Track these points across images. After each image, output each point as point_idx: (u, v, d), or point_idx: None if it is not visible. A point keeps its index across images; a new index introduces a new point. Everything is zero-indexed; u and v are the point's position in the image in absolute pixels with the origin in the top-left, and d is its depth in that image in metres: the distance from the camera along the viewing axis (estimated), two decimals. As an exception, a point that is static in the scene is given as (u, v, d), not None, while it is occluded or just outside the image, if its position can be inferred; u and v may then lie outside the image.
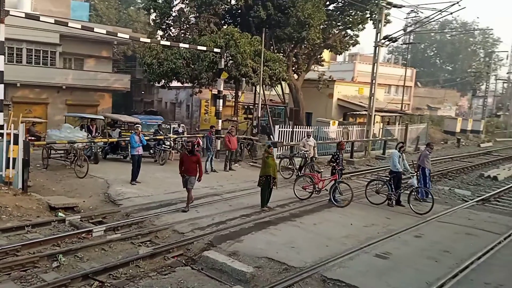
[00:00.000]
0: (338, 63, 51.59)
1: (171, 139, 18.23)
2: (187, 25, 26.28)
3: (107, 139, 16.53)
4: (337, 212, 11.42)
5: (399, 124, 29.66)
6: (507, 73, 55.42)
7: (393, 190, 12.23)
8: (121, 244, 8.52)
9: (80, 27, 15.59)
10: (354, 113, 29.69)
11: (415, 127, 30.25)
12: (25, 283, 6.73)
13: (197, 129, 34.59)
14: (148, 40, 19.82)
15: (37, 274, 7.02)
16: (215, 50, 19.97)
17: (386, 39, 23.73)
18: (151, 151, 17.66)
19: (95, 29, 16.04)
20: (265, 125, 27.72)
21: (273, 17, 24.82)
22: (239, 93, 27.05)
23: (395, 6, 23.82)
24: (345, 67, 47.20)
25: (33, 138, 15.65)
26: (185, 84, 27.27)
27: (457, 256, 8.47)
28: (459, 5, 21.19)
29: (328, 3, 27.74)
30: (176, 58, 22.38)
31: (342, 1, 28.16)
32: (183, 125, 23.29)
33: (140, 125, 14.42)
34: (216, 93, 34.94)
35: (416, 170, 13.04)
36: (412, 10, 32.58)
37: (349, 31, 29.61)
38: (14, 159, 11.41)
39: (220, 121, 20.34)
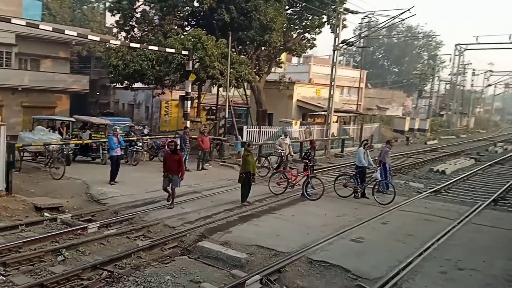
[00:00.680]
0: (293, 65, 53.09)
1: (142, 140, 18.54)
2: (151, 27, 26.51)
3: (82, 141, 16.61)
4: (311, 204, 12.42)
5: (354, 123, 31.36)
6: (449, 74, 59.34)
7: (359, 183, 13.41)
8: (117, 239, 9.01)
9: (51, 29, 15.62)
10: (313, 113, 31.04)
11: (369, 126, 32.09)
12: (35, 276, 7.13)
13: (157, 130, 34.72)
14: (118, 42, 20.00)
15: (45, 267, 7.43)
16: (183, 52, 20.45)
17: (344, 43, 25.18)
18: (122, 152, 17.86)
19: (66, 31, 16.05)
20: (229, 126, 28.40)
21: (236, 20, 25.57)
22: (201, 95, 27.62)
23: (352, 12, 25.40)
24: (301, 69, 48.75)
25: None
26: (150, 86, 27.41)
27: (420, 239, 9.65)
28: (410, 12, 23.13)
29: (287, 7, 28.90)
30: (141, 59, 22.62)
31: (300, 6, 29.43)
32: (147, 126, 23.58)
33: (118, 127, 14.70)
34: (178, 94, 35.43)
35: (377, 165, 14.32)
36: (366, 16, 34.39)
37: (306, 34, 30.97)
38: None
39: (188, 122, 20.84)
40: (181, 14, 26.84)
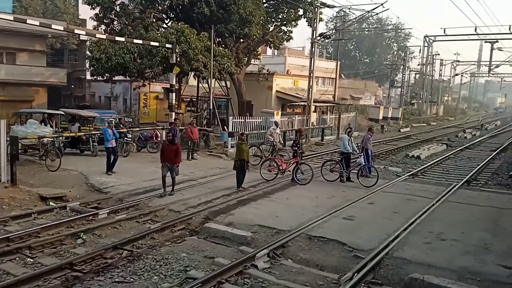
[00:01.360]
0: (269, 57, 53.82)
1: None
2: (131, 20, 26.61)
3: (75, 134, 16.88)
4: (302, 188, 13.28)
5: (332, 113, 32.45)
6: (418, 65, 61.34)
7: (344, 168, 14.34)
8: (128, 223, 9.61)
9: (38, 24, 15.74)
10: (293, 103, 31.91)
11: (346, 115, 33.25)
12: (60, 257, 7.67)
13: (137, 122, 34.85)
14: (104, 36, 20.22)
15: (68, 249, 7.97)
16: (167, 45, 20.84)
17: (322, 37, 26.06)
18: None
19: (53, 26, 16.24)
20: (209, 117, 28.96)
21: (216, 13, 26.02)
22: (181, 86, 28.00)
23: (328, 6, 26.30)
24: (276, 61, 49.52)
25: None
26: (131, 78, 27.57)
27: (404, 216, 10.63)
28: (383, 7, 24.24)
29: (264, 0, 29.53)
30: (124, 53, 22.86)
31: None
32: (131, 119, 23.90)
33: (113, 120, 15.09)
34: (157, 86, 35.58)
35: (360, 151, 15.30)
36: (341, 9, 35.40)
37: (283, 27, 31.71)
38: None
39: (173, 113, 21.31)
40: (160, 8, 27.06)
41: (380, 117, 41.87)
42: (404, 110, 49.33)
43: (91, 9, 25.44)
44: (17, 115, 18.76)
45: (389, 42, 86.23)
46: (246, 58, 31.06)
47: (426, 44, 50.07)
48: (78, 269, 6.98)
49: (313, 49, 26.57)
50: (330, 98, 36.56)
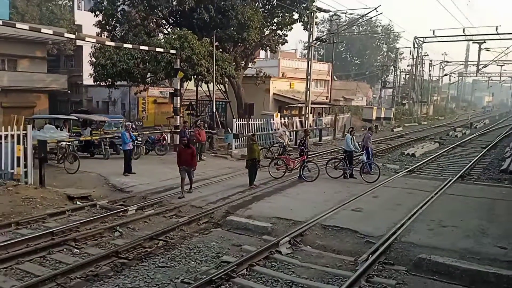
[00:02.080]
0: (262, 59, 54.68)
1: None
2: (133, 26, 27.36)
3: (91, 138, 17.62)
4: (310, 185, 14.19)
5: (328, 114, 33.45)
6: (408, 65, 62.79)
7: (348, 165, 15.29)
8: (157, 218, 10.44)
9: (51, 33, 16.45)
10: (290, 105, 32.86)
11: (341, 116, 34.28)
12: (103, 248, 8.47)
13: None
14: (113, 43, 20.91)
15: (108, 241, 8.77)
16: (171, 51, 21.65)
17: (318, 40, 27.06)
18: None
19: (66, 34, 16.96)
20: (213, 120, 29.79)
21: (215, 19, 26.89)
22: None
23: (324, 11, 27.35)
24: (270, 63, 50.35)
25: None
26: (134, 83, 28.29)
27: (407, 207, 11.58)
28: (377, 11, 25.36)
29: (260, 5, 30.48)
30: (128, 58, 23.62)
31: (271, 4, 31.04)
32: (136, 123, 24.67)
33: (129, 123, 15.86)
34: (155, 91, 36.27)
35: (361, 149, 16.27)
36: (335, 14, 36.47)
37: (278, 31, 32.67)
38: (18, 158, 12.49)
39: (178, 117, 22.09)
40: (160, 14, 27.86)
41: (374, 118, 43.02)
42: (395, 110, 50.60)
43: (94, 16, 26.21)
44: (27, 121, 19.37)
45: (378, 43, 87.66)
46: (244, 62, 31.98)
47: (416, 46, 51.44)
48: (123, 257, 7.78)
49: (310, 52, 27.51)
50: (325, 100, 37.56)
